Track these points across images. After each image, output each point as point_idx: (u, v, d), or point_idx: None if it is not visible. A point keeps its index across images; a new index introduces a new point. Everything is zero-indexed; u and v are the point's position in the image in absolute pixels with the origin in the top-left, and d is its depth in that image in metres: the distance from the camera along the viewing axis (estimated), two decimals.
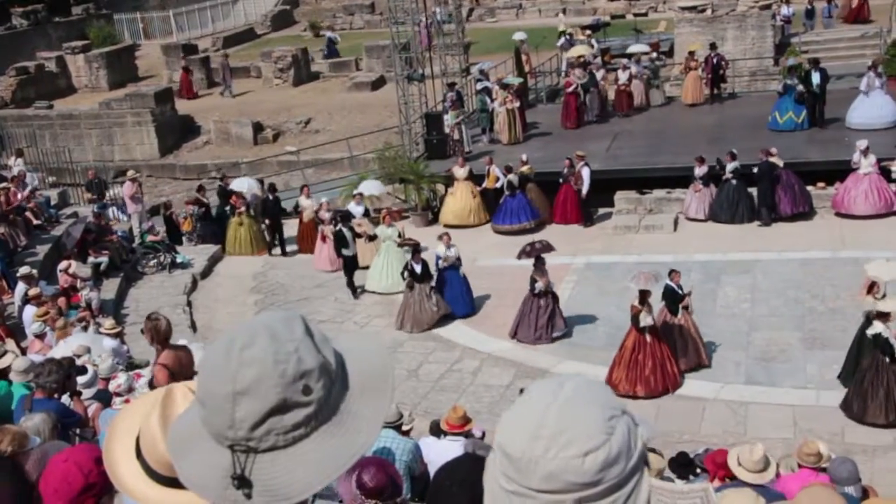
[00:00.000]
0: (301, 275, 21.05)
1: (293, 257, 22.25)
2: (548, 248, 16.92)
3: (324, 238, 20.70)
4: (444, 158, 24.37)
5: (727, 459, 7.99)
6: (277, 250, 22.59)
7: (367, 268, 19.65)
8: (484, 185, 22.63)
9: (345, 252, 19.28)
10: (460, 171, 22.66)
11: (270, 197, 22.54)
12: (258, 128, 32.48)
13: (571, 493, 1.52)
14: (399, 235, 19.16)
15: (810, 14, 32.91)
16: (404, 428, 9.67)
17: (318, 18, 46.05)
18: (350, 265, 19.42)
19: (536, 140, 25.86)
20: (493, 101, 25.91)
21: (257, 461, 1.60)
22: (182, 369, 7.66)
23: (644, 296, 14.54)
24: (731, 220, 20.74)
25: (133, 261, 21.10)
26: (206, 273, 21.44)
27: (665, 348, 14.72)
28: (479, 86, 26.84)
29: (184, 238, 23.29)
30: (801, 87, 23.72)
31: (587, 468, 1.51)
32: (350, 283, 19.41)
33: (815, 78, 23.40)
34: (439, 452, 8.90)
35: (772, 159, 20.32)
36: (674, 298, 15.01)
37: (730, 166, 20.72)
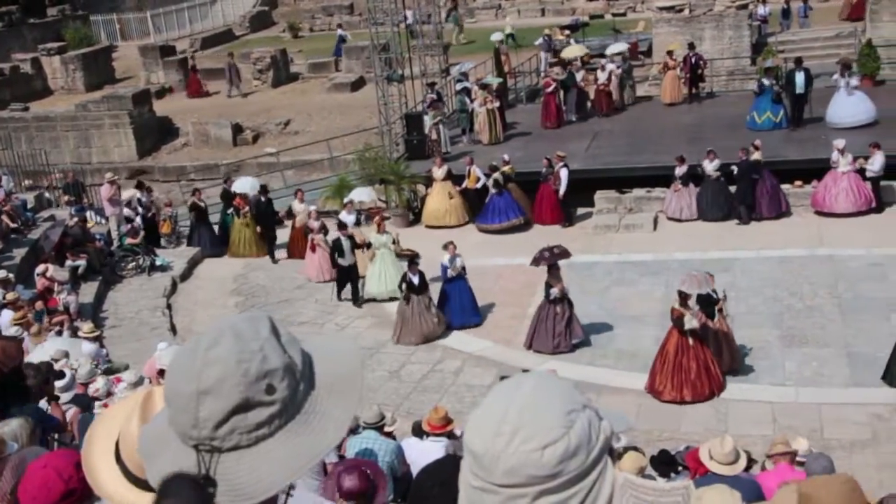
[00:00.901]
0: (282, 276, 20.99)
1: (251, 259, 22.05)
2: (564, 254, 16.29)
3: (313, 247, 20.21)
4: (425, 159, 24.37)
5: (699, 453, 8.07)
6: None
7: (362, 277, 19.26)
8: (464, 185, 22.64)
9: (341, 262, 18.71)
10: (438, 172, 22.69)
11: (263, 199, 21.99)
12: (237, 129, 32.37)
13: (532, 487, 1.54)
14: (394, 242, 18.77)
15: (786, 14, 33.13)
16: (386, 429, 9.67)
17: (296, 19, 45.92)
18: (346, 275, 18.92)
19: (517, 140, 25.90)
20: (472, 101, 25.93)
21: (221, 460, 1.61)
22: (5, 359, 7.47)
23: (685, 298, 14.20)
24: (717, 219, 20.83)
25: (112, 264, 20.96)
26: (185, 276, 21.34)
27: (708, 351, 14.37)
28: (459, 86, 26.85)
29: (163, 240, 23.16)
30: (777, 87, 23.88)
31: (546, 461, 1.53)
32: (341, 292, 19.03)
33: (800, 78, 23.54)
34: (422, 453, 8.91)
35: (755, 154, 20.43)
36: (709, 302, 14.59)
37: (712, 165, 20.79)
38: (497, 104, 25.85)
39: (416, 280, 16.91)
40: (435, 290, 17.56)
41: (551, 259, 16.07)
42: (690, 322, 14.08)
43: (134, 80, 38.40)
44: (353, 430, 9.81)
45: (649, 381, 14.56)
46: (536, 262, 16.24)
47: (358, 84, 35.12)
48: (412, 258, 17.20)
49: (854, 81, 23.28)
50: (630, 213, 21.68)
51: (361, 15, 39.09)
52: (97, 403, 9.39)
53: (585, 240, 21.08)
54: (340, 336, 17.53)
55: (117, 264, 21.05)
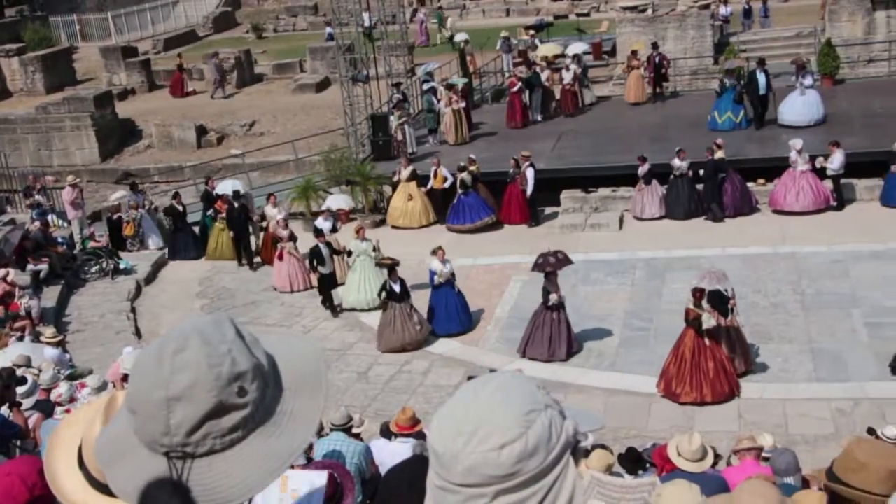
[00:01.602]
0: (248, 279, 20.87)
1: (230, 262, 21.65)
2: (566, 261, 15.72)
3: (281, 256, 19.73)
4: (391, 159, 24.33)
5: (666, 450, 8.12)
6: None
7: (341, 284, 18.89)
8: (430, 185, 22.63)
9: (321, 269, 18.26)
10: (403, 173, 22.65)
11: (236, 204, 21.21)
12: (202, 131, 32.13)
13: (490, 486, 1.55)
14: (374, 249, 18.28)
15: (748, 13, 33.46)
16: (354, 431, 9.65)
17: (260, 20, 45.71)
18: (327, 283, 18.52)
19: (483, 140, 25.94)
20: (439, 101, 25.94)
21: (194, 466, 1.59)
22: None
23: (699, 297, 14.00)
24: (684, 217, 20.97)
25: (74, 268, 20.74)
26: (150, 279, 21.16)
27: (722, 350, 14.22)
28: (426, 86, 26.85)
29: (127, 243, 22.92)
30: (739, 88, 24.08)
31: (503, 461, 1.54)
32: (325, 301, 18.60)
33: (762, 79, 23.75)
34: (390, 454, 8.90)
35: (718, 153, 20.60)
36: (721, 300, 14.32)
37: (683, 164, 20.91)
38: (463, 104, 25.88)
39: (396, 287, 16.53)
40: (420, 296, 17.24)
41: (555, 266, 15.59)
42: (708, 321, 13.87)
43: (95, 82, 38.01)
44: (320, 433, 9.78)
45: (664, 384, 14.29)
46: (539, 267, 15.74)
47: (323, 85, 35.01)
48: (392, 266, 16.84)
49: (808, 81, 23.50)
50: (596, 213, 21.79)
51: (325, 15, 39.00)
52: (60, 409, 9.28)
53: (552, 239, 21.10)
54: (297, 335, 17.46)
55: (80, 268, 20.83)
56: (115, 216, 23.17)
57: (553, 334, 15.69)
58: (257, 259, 21.48)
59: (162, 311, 19.58)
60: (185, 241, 22.47)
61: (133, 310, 19.45)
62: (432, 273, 16.92)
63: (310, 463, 6.97)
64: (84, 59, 41.28)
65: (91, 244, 21.37)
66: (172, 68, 37.53)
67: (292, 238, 19.80)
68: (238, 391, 1.59)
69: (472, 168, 22.03)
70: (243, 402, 1.60)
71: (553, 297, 15.57)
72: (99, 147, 31.51)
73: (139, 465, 1.61)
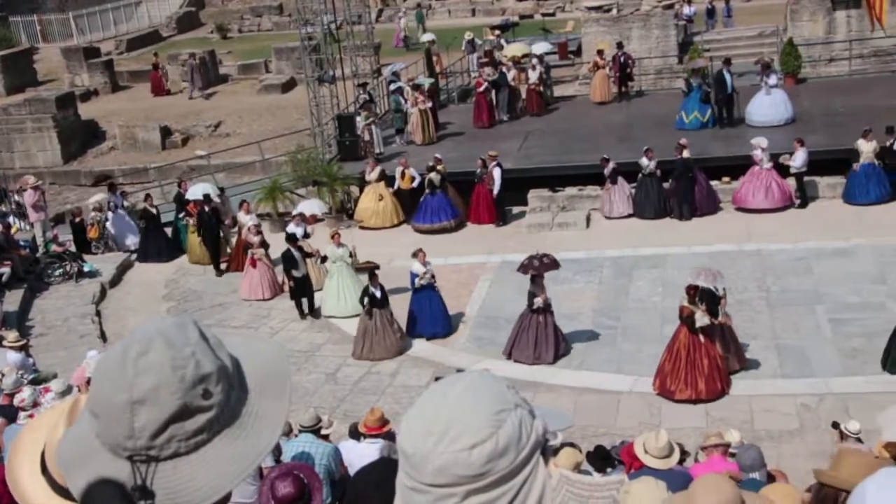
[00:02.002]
0: (215, 280, 20.73)
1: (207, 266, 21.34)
2: (553, 264, 15.61)
3: (254, 263, 19.23)
4: (358, 160, 24.28)
5: (634, 447, 8.17)
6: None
7: (319, 290, 18.56)
8: (397, 185, 22.61)
9: (294, 273, 17.93)
10: (372, 174, 22.60)
11: (206, 208, 20.79)
12: (166, 132, 31.89)
13: (461, 486, 1.55)
14: (350, 255, 18.00)
15: (711, 13, 33.76)
16: (323, 432, 9.61)
17: (224, 20, 45.43)
18: (301, 287, 18.19)
19: (450, 140, 25.95)
20: (406, 101, 25.92)
21: (158, 470, 1.57)
22: None
23: (693, 295, 14.00)
24: (651, 216, 21.09)
25: (37, 271, 20.49)
26: (115, 281, 20.96)
27: (716, 347, 14.24)
28: (393, 87, 26.81)
29: (92, 246, 22.69)
30: (706, 87, 24.25)
31: (473, 461, 1.54)
32: (299, 306, 18.27)
33: (729, 78, 23.94)
34: (359, 455, 8.87)
35: (684, 152, 20.75)
36: (713, 298, 14.28)
37: (651, 163, 21.01)
38: (429, 104, 25.87)
39: (378, 293, 16.24)
40: (394, 299, 17.04)
41: (541, 269, 15.49)
42: (702, 319, 13.90)
43: (57, 83, 37.60)
44: (289, 434, 9.74)
45: (659, 382, 14.28)
46: (524, 269, 15.61)
47: (289, 85, 34.87)
48: (372, 270, 16.53)
49: (772, 81, 23.73)
50: (563, 212, 21.87)
51: (291, 16, 38.84)
52: (23, 414, 9.17)
53: (519, 238, 21.19)
54: (262, 337, 17.35)
55: (43, 271, 20.59)
56: (77, 219, 22.91)
57: (539, 337, 15.58)
58: (226, 265, 21.08)
59: (127, 314, 19.40)
60: (157, 243, 22.21)
61: (98, 313, 19.27)
62: (414, 275, 16.69)
63: (278, 465, 6.94)
64: (45, 59, 40.82)
65: (53, 248, 21.13)
66: (136, 69, 37.22)
67: (264, 245, 19.42)
68: (203, 393, 1.57)
69: (439, 168, 22.03)
70: (208, 405, 1.58)
71: (538, 301, 15.44)
72: (61, 149, 31.20)
73: (101, 470, 1.59)
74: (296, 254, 17.91)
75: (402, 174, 22.45)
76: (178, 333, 1.60)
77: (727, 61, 24.66)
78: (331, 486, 8.60)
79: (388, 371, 16.15)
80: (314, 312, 18.33)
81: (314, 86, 25.57)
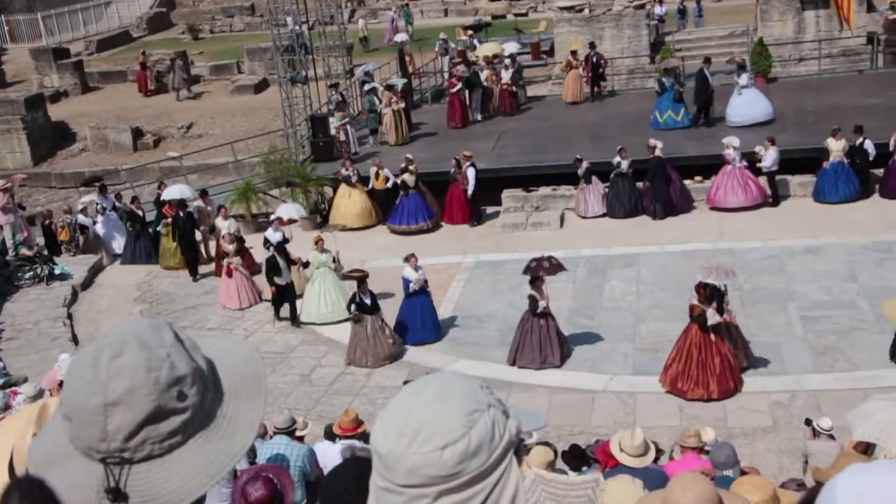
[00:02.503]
0: (188, 283, 20.59)
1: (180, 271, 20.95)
2: (558, 267, 15.35)
3: (230, 272, 18.73)
4: (331, 161, 24.22)
5: (609, 446, 8.20)
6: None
7: (300, 296, 18.15)
8: (371, 186, 22.57)
9: (277, 281, 17.47)
10: (345, 171, 22.54)
11: (182, 213, 20.25)
12: (137, 133, 31.68)
13: (433, 487, 1.55)
14: (334, 261, 17.60)
15: (682, 13, 33.98)
16: (298, 433, 9.59)
17: (196, 21, 45.18)
18: (283, 295, 17.73)
19: (423, 140, 25.94)
20: (380, 102, 25.89)
21: (132, 472, 1.57)
22: None
23: (703, 293, 13.88)
24: (624, 216, 21.17)
25: (7, 274, 20.27)
26: (86, 284, 20.76)
27: (726, 345, 14.14)
28: (367, 87, 26.77)
29: (63, 248, 22.48)
30: (678, 87, 24.37)
31: (445, 461, 1.54)
32: (277, 312, 17.90)
33: (709, 76, 24.07)
34: (334, 457, 8.84)
35: (656, 151, 20.85)
36: (719, 296, 14.12)
37: (625, 162, 21.08)
38: (402, 105, 25.86)
39: (367, 300, 15.91)
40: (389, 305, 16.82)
41: (547, 272, 15.19)
42: (713, 317, 13.83)
43: (26, 84, 37.28)
44: (264, 436, 9.70)
45: (669, 381, 14.18)
46: (529, 271, 15.36)
47: (261, 86, 34.74)
48: (362, 278, 16.05)
49: (743, 81, 23.88)
50: (537, 212, 21.91)
51: (263, 16, 38.70)
52: None
53: (494, 238, 21.23)
54: (237, 339, 17.23)
55: (13, 274, 20.36)
56: (48, 221, 22.68)
57: (542, 341, 15.36)
58: (208, 268, 20.59)
59: (99, 316, 19.23)
60: (144, 246, 21.82)
61: (69, 316, 19.07)
62: (407, 281, 16.40)
63: (252, 466, 6.90)
64: (13, 60, 40.43)
65: (23, 251, 20.89)
66: (106, 70, 36.93)
67: (239, 253, 18.92)
68: (177, 396, 1.57)
69: (412, 168, 22.02)
70: (182, 407, 1.58)
71: (542, 304, 15.23)
72: (31, 151, 30.91)
73: (74, 473, 1.58)
74: (280, 261, 17.47)
75: (377, 174, 22.42)
76: (152, 335, 1.60)
77: (707, 60, 24.74)
78: (305, 487, 8.58)
79: (363, 372, 16.11)
80: (295, 320, 17.84)
81: (287, 86, 25.49)
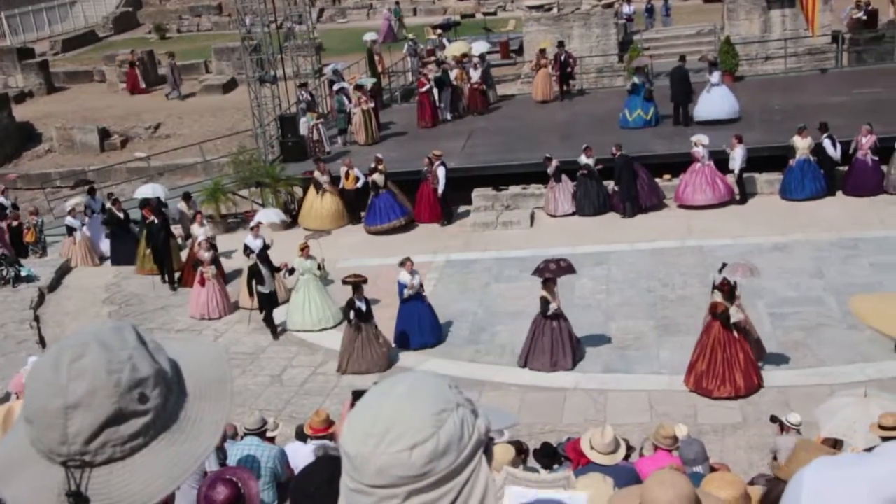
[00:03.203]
0: (156, 283, 20.42)
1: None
2: (569, 268, 15.10)
3: (203, 281, 18.15)
4: (301, 160, 24.15)
5: (580, 444, 8.23)
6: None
7: (284, 302, 17.93)
8: (342, 186, 22.51)
9: (260, 289, 17.02)
10: (323, 175, 22.44)
11: (156, 220, 19.62)
12: (104, 134, 31.40)
13: (402, 487, 1.55)
14: (319, 268, 17.31)
15: (650, 12, 34.18)
16: (269, 434, 9.55)
17: (163, 20, 44.86)
18: (267, 303, 17.25)
19: (393, 140, 25.92)
20: (349, 101, 25.83)
21: (94, 475, 1.56)
22: None
23: (728, 290, 13.80)
24: (593, 213, 21.25)
25: None
26: (53, 286, 20.55)
27: (747, 342, 14.09)
28: (336, 87, 26.70)
29: (29, 250, 22.23)
30: (649, 86, 24.49)
31: (414, 461, 1.54)
32: (271, 324, 17.32)
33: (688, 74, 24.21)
34: (305, 457, 8.81)
35: (621, 149, 20.95)
36: (732, 293, 14.05)
37: (590, 160, 21.15)
38: (372, 104, 25.82)
39: (363, 307, 15.59)
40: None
41: (557, 273, 14.98)
42: (737, 315, 13.79)
43: None
44: (234, 437, 9.65)
45: (693, 380, 14.11)
46: (540, 272, 15.11)
47: (230, 86, 34.56)
48: (358, 283, 15.62)
49: (714, 78, 24.07)
50: (507, 210, 21.96)
51: (230, 16, 38.48)
52: None
53: (464, 237, 21.26)
54: (198, 340, 17.12)
55: None
56: (14, 223, 22.41)
57: (555, 343, 15.20)
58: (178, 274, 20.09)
59: (67, 318, 19.04)
60: (127, 248, 21.28)
61: (36, 318, 18.87)
62: (402, 286, 16.14)
63: (213, 472, 6.83)
64: None
65: None
66: (72, 70, 36.57)
67: (215, 261, 18.42)
68: (139, 398, 1.56)
69: (381, 168, 21.99)
70: (144, 409, 1.57)
71: (553, 306, 15.06)
72: None
73: (36, 478, 1.57)
74: (263, 269, 17.03)
75: (347, 174, 22.37)
76: (114, 337, 1.59)
77: (682, 58, 24.84)
78: (276, 488, 8.55)
79: (334, 372, 16.08)
80: (275, 330, 17.46)
81: (256, 86, 25.37)
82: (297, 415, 14.08)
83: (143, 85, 35.32)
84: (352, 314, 15.59)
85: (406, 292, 16.16)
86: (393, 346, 16.20)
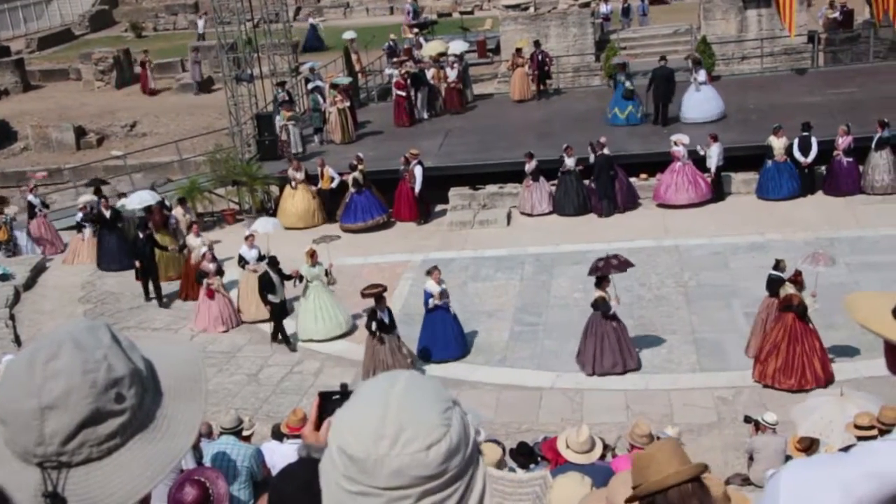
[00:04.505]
0: (133, 282, 20.28)
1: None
2: (626, 263, 14.76)
3: (210, 294, 17.46)
4: (277, 159, 24.06)
5: (556, 443, 8.25)
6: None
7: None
8: (319, 186, 22.46)
9: (271, 298, 16.49)
10: (298, 174, 22.37)
11: (141, 235, 18.80)
12: (80, 132, 31.18)
13: (417, 487, 1.55)
14: (326, 274, 16.75)
15: (626, 12, 34.28)
16: (245, 433, 9.52)
17: (139, 19, 44.59)
18: (279, 313, 16.76)
19: (370, 139, 25.87)
20: (325, 100, 25.76)
21: (70, 475, 1.56)
22: None
23: (801, 281, 13.61)
24: (572, 213, 21.29)
25: None
26: (29, 284, 20.38)
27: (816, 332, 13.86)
28: (311, 85, 26.63)
29: (1, 248, 22.01)
30: (629, 85, 24.52)
31: (431, 461, 1.54)
32: (281, 332, 16.87)
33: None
34: (282, 456, 8.81)
35: (604, 149, 21.00)
36: (780, 286, 13.98)
37: (571, 160, 21.20)
38: (347, 103, 25.76)
39: (386, 318, 15.07)
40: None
41: (617, 269, 14.60)
42: (814, 305, 13.65)
43: None
44: (210, 436, 9.61)
45: (770, 376, 13.91)
46: (596, 271, 14.70)
47: (206, 84, 34.37)
48: (380, 294, 15.06)
49: (701, 77, 24.21)
50: (484, 209, 21.98)
51: (207, 14, 38.26)
52: None
53: (441, 236, 21.26)
54: (170, 339, 17.05)
55: None
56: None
57: (622, 343, 14.90)
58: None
59: (43, 317, 18.89)
60: (111, 249, 20.53)
61: (12, 317, 18.70)
62: (428, 295, 15.65)
63: (181, 473, 6.79)
64: None
65: None
66: (48, 68, 36.28)
67: (220, 272, 17.72)
68: (115, 397, 1.56)
69: (361, 167, 21.95)
70: (121, 409, 1.57)
71: (614, 304, 14.69)
72: None
73: (10, 478, 1.56)
74: (274, 277, 16.48)
75: (321, 174, 22.32)
76: (88, 337, 1.58)
77: (663, 58, 24.89)
78: (253, 487, 8.53)
79: (311, 371, 16.05)
80: (281, 340, 16.95)
81: (232, 85, 25.26)
82: (273, 414, 14.05)
83: (153, 85, 34.81)
84: (374, 325, 15.02)
85: (431, 302, 15.63)
86: (415, 357, 15.67)
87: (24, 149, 31.24)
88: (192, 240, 18.88)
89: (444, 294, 15.73)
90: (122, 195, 22.67)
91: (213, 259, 17.71)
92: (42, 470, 1.55)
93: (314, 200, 22.45)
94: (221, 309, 17.62)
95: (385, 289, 15.31)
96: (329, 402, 2.13)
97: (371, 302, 15.18)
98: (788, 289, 13.87)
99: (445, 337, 15.87)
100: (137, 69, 36.35)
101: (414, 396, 1.59)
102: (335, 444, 1.61)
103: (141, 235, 18.87)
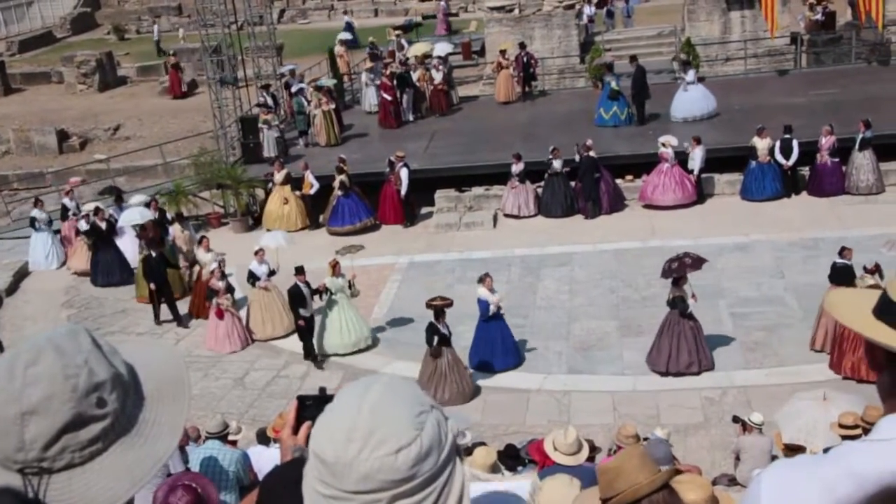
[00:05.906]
0: (116, 288, 20.19)
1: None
2: (700, 260, 14.52)
3: (220, 313, 16.90)
4: (262, 162, 23.98)
5: (543, 445, 8.23)
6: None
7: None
8: (302, 192, 22.37)
9: (303, 313, 15.93)
10: (277, 176, 22.33)
11: (154, 254, 17.99)
12: (63, 136, 31.01)
13: (387, 491, 1.55)
14: (350, 286, 16.26)
15: (611, 14, 34.37)
16: (231, 438, 9.47)
17: (121, 21, 44.42)
18: (308, 329, 16.18)
19: (355, 141, 25.83)
20: (309, 103, 25.69)
21: (52, 482, 1.54)
22: None
23: (878, 273, 13.30)
24: (559, 215, 21.31)
25: None
26: (11, 290, 20.28)
27: None
28: (294, 88, 26.56)
29: None
30: (614, 84, 24.58)
31: (400, 465, 1.54)
32: (312, 351, 16.31)
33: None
34: (268, 460, 8.75)
35: (590, 151, 21.04)
36: (850, 276, 13.67)
37: (558, 162, 21.22)
38: (332, 106, 25.71)
39: (447, 332, 14.65)
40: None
41: (691, 267, 14.38)
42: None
43: None
44: (196, 440, 9.56)
45: (850, 368, 13.79)
46: (671, 272, 14.50)
47: (190, 87, 34.25)
48: (442, 308, 14.60)
49: (689, 77, 24.31)
50: (470, 212, 21.97)
51: (190, 17, 38.16)
52: None
53: (427, 239, 21.23)
54: (152, 342, 16.89)
55: None
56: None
57: (698, 342, 14.70)
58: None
59: (25, 323, 18.79)
60: (107, 262, 20.06)
61: None
62: (484, 304, 15.08)
63: (168, 478, 6.74)
64: None
65: None
66: (29, 71, 36.08)
67: (230, 290, 17.12)
68: (97, 402, 1.55)
69: (346, 169, 21.89)
70: (102, 413, 1.56)
71: (691, 302, 14.54)
72: None
73: None
74: (304, 290, 15.92)
75: (303, 178, 22.24)
76: (69, 342, 1.57)
77: (634, 58, 24.99)
78: (239, 492, 8.48)
79: (297, 375, 16.00)
80: (314, 357, 16.41)
81: (216, 87, 25.17)
82: (259, 418, 13.99)
83: (184, 88, 34.47)
84: (435, 340, 14.58)
85: (492, 309, 15.16)
86: (470, 370, 15.26)
87: (6, 153, 31.04)
88: (202, 255, 18.04)
89: (500, 300, 15.33)
90: (120, 199, 22.36)
91: (223, 276, 17.04)
92: (23, 476, 1.53)
93: (295, 204, 22.28)
94: (229, 329, 17.00)
95: (451, 303, 14.84)
96: (306, 406, 2.12)
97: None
98: (867, 280, 13.50)
99: (505, 345, 15.44)
100: (122, 72, 36.24)
101: (387, 400, 1.59)
102: (311, 447, 1.62)
103: (154, 254, 18.06)
